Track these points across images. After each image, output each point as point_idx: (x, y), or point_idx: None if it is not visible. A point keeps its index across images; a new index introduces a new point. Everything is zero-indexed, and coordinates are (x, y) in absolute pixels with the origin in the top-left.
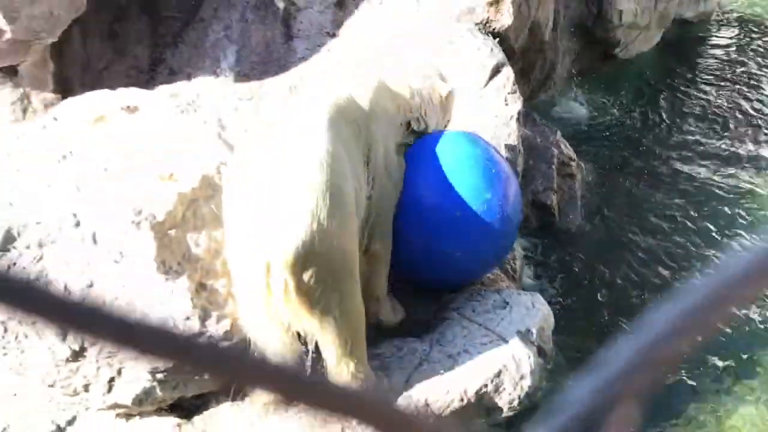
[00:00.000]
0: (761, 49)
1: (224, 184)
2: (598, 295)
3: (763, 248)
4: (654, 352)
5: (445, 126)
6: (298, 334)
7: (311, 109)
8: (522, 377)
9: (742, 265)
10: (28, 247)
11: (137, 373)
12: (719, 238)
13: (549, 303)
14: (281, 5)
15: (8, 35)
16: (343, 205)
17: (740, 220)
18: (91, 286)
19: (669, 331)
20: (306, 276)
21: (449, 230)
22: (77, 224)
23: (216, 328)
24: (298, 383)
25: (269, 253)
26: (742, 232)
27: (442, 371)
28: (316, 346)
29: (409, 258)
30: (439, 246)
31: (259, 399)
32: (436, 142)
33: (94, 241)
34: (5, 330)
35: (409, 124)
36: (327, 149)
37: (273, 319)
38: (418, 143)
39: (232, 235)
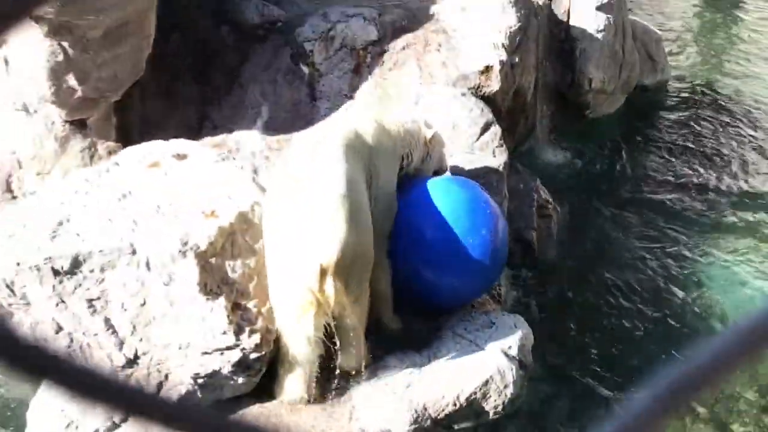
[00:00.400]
0: (707, 110)
1: (259, 217)
2: (571, 316)
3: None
4: (668, 404)
5: (444, 171)
6: (325, 334)
7: (327, 144)
8: (506, 386)
9: (746, 330)
10: (92, 271)
11: (181, 378)
12: (676, 271)
13: (529, 323)
14: (306, 71)
15: (79, 94)
16: (365, 216)
17: (699, 254)
18: (144, 304)
19: (647, 413)
20: (347, 273)
21: (450, 262)
22: (133, 252)
23: (248, 341)
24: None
25: (322, 257)
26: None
27: (438, 380)
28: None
29: (416, 286)
30: (441, 275)
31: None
32: (438, 185)
33: (148, 267)
34: (71, 341)
35: (402, 158)
36: (346, 175)
37: (319, 316)
38: (422, 184)
39: (275, 252)
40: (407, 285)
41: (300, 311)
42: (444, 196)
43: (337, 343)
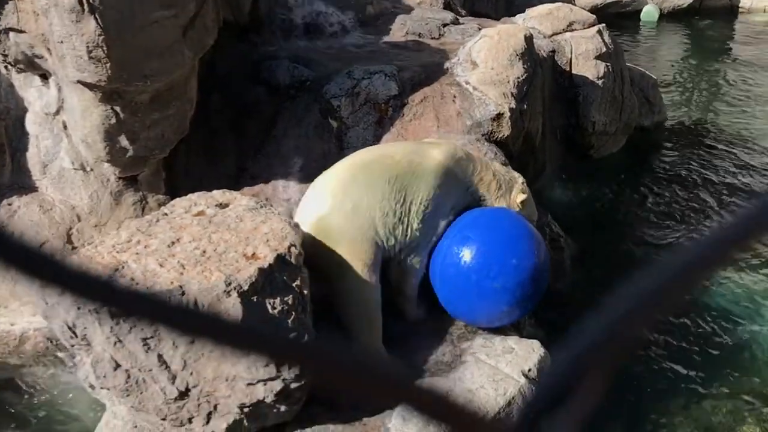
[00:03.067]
0: (702, 147)
1: (295, 257)
2: None
3: (721, 229)
4: (620, 328)
5: None
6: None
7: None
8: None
9: (703, 245)
10: None
11: (229, 408)
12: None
13: (545, 348)
14: (335, 125)
15: (131, 153)
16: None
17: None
18: (192, 341)
19: (634, 309)
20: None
21: (507, 285)
22: (182, 293)
23: (288, 372)
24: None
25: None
26: (706, 294)
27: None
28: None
29: (467, 291)
30: (497, 299)
31: None
32: (497, 214)
33: (196, 306)
34: (128, 376)
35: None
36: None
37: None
38: (482, 213)
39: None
40: (462, 299)
41: None
42: (503, 223)
43: None
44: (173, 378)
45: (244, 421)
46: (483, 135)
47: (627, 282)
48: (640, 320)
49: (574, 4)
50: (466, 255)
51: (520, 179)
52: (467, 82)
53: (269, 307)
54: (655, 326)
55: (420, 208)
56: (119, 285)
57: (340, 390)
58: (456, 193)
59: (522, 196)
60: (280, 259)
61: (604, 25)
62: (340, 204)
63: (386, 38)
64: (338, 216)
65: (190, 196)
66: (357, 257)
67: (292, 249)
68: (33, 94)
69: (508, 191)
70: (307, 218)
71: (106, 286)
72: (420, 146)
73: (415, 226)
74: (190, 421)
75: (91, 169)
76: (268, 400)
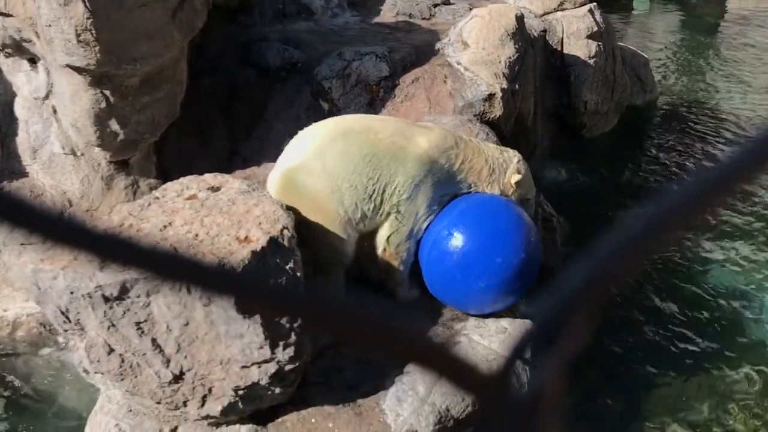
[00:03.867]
0: (693, 125)
1: (288, 239)
2: None
3: (705, 176)
4: (603, 272)
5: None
6: None
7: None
8: (521, 386)
9: (686, 191)
10: (138, 296)
11: (223, 391)
12: (673, 271)
13: None
14: (326, 107)
15: (122, 137)
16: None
17: (697, 254)
18: (186, 325)
19: (617, 252)
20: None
21: (491, 273)
22: None
23: (283, 354)
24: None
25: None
26: (695, 266)
27: None
28: None
29: (453, 288)
30: (482, 298)
31: None
32: (484, 208)
33: (189, 291)
34: (122, 360)
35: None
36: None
37: None
38: (468, 207)
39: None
40: (446, 288)
41: None
42: (493, 210)
43: None
44: (167, 361)
45: (239, 404)
46: (475, 115)
47: (613, 228)
48: (624, 262)
49: None
50: (451, 253)
51: (516, 158)
52: (458, 63)
53: None
54: (641, 268)
55: (396, 192)
56: (121, 239)
57: (342, 340)
58: (442, 184)
59: (516, 177)
60: (273, 241)
61: (595, 4)
62: (310, 162)
63: (377, 19)
64: (305, 172)
65: (181, 179)
66: (318, 214)
67: (285, 232)
68: (21, 78)
69: (502, 174)
70: (278, 167)
71: (106, 240)
72: (409, 128)
73: (387, 208)
74: (185, 404)
75: (82, 154)
76: (263, 382)
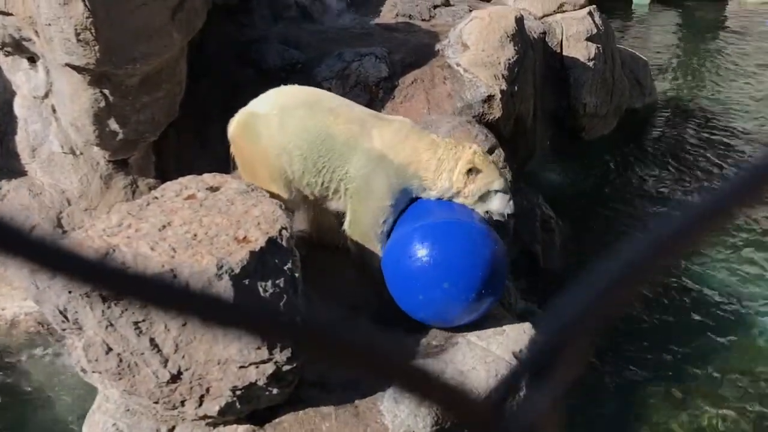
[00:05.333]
0: (691, 127)
1: (287, 239)
2: None
3: (699, 204)
4: (602, 300)
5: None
6: None
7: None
8: (519, 386)
9: (680, 219)
10: None
11: (221, 391)
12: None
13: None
14: None
15: (121, 136)
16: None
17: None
18: (185, 325)
19: (615, 281)
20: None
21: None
22: (174, 276)
23: (281, 355)
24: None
25: None
26: (694, 267)
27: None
28: None
29: (413, 305)
30: (446, 317)
31: None
32: (439, 229)
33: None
34: (120, 360)
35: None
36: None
37: None
38: (423, 229)
39: None
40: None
41: None
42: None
43: None
44: (165, 361)
45: (237, 404)
46: (474, 117)
47: (607, 255)
48: (620, 293)
49: None
50: (411, 276)
51: (470, 150)
52: (458, 64)
53: (261, 290)
54: (635, 299)
55: (343, 178)
56: (111, 266)
57: (334, 366)
58: (392, 176)
59: (467, 166)
60: (272, 242)
61: (594, 6)
62: (273, 118)
63: (377, 20)
64: (265, 123)
65: (180, 179)
66: (265, 165)
67: (284, 232)
68: (21, 77)
69: (454, 167)
70: (246, 108)
71: (97, 268)
72: (370, 119)
73: (336, 186)
74: (182, 404)
75: (81, 153)
76: (261, 382)
